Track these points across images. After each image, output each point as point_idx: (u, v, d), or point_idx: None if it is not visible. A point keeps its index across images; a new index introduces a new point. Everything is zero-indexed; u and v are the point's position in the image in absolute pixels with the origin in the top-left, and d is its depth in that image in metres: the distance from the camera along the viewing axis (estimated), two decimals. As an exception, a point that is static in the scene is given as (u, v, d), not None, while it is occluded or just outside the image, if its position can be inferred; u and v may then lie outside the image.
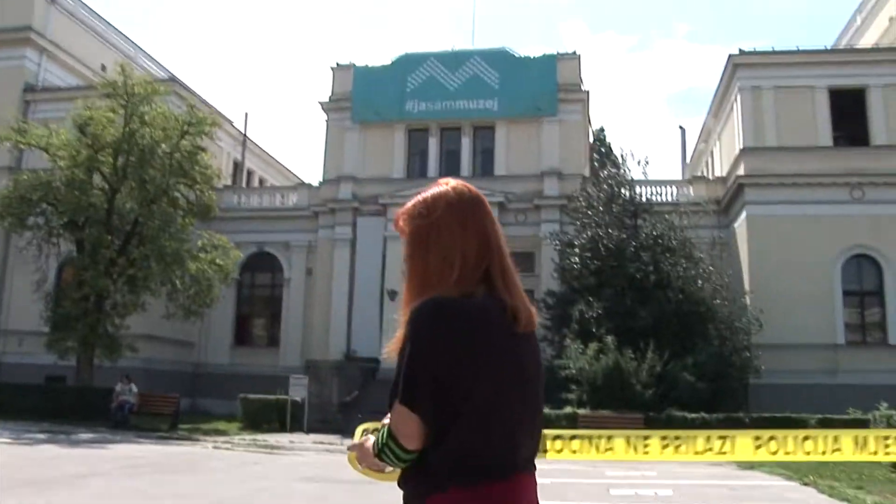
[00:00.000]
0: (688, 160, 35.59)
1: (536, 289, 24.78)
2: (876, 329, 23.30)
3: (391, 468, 1.84)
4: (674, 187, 27.39)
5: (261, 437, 18.72)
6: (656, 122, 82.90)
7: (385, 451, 1.71)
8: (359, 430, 2.11)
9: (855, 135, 24.14)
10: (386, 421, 1.77)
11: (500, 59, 27.29)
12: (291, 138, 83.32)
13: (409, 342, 1.67)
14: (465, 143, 27.14)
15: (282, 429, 20.88)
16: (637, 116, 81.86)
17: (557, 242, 22.83)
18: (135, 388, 20.56)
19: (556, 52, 27.33)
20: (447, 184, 1.84)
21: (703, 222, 23.23)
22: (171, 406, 21.03)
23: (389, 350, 1.77)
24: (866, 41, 28.31)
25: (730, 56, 24.93)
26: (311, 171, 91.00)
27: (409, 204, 1.81)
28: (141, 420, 20.35)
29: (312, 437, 19.50)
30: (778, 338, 21.00)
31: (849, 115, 23.94)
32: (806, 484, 11.00)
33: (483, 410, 1.66)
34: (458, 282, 1.71)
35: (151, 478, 10.88)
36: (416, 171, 27.34)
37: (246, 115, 27.33)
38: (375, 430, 1.90)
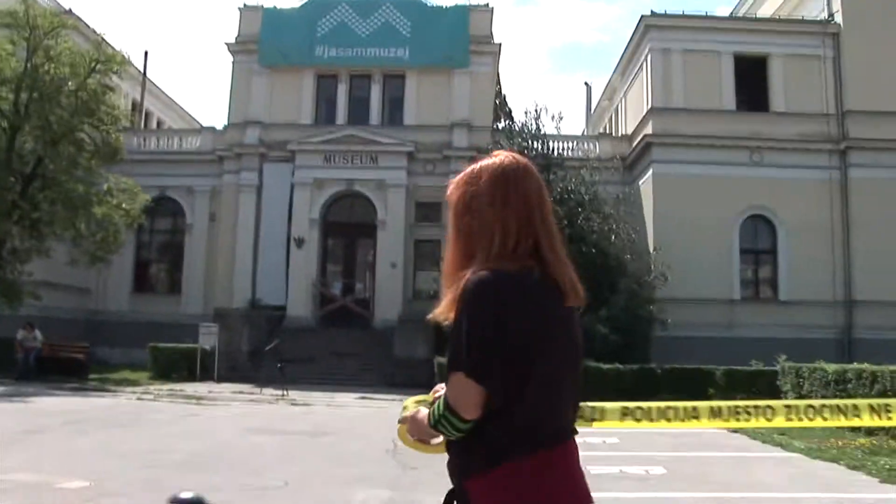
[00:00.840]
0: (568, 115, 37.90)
1: (444, 238, 26.28)
2: (768, 286, 25.69)
3: (439, 440, 1.90)
4: (581, 143, 29.13)
5: (176, 386, 19.15)
6: (539, 76, 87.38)
7: (442, 423, 1.78)
8: (409, 401, 2.15)
9: (756, 100, 26.15)
10: (440, 391, 1.88)
11: (412, 7, 28.05)
12: (192, 80, 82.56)
13: (466, 314, 1.75)
14: (375, 91, 27.87)
15: (191, 378, 21.41)
16: (521, 69, 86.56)
17: None
18: (39, 336, 20.59)
19: (468, 4, 28.22)
20: (497, 155, 1.95)
21: (608, 178, 24.62)
22: (81, 355, 21.32)
23: (440, 313, 1.88)
24: (764, 11, 30.11)
25: (642, 17, 26.50)
26: (213, 114, 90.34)
27: (461, 173, 1.97)
28: (46, 370, 20.25)
29: (225, 386, 20.08)
30: (680, 292, 22.72)
31: (751, 81, 25.95)
32: (735, 431, 12.21)
33: (545, 381, 1.75)
34: (499, 254, 1.79)
35: (107, 433, 10.95)
36: (325, 117, 28.02)
37: (146, 53, 27.60)
38: (423, 402, 2.04)
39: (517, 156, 1.97)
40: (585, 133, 36.26)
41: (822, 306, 24.05)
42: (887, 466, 8.85)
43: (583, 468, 1.80)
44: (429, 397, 2.03)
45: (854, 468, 9.07)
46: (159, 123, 35.05)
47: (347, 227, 27.91)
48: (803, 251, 24.71)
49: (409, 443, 2.05)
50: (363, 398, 18.15)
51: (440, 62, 27.44)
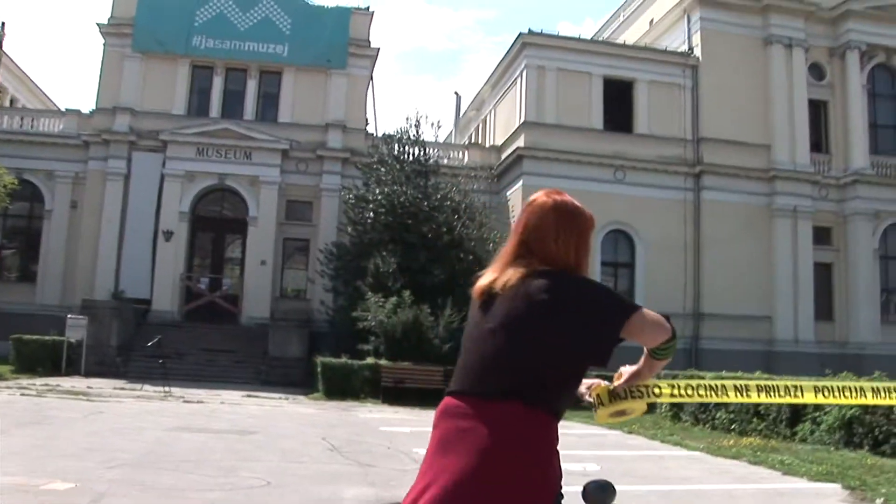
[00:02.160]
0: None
1: (314, 238, 28.31)
2: (627, 296, 29.72)
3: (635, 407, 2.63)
4: (451, 151, 32.20)
5: (49, 381, 19.63)
6: (389, 78, 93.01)
7: (669, 347, 2.49)
8: (601, 389, 2.64)
9: (622, 122, 29.85)
10: (623, 372, 2.65)
11: (293, 4, 29.90)
12: (50, 58, 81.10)
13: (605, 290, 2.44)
14: (251, 86, 29.68)
15: (56, 372, 21.98)
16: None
17: (352, 196, 25.95)
18: None
19: (349, 6, 30.47)
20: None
21: (477, 187, 27.57)
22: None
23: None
24: (629, 35, 34.39)
25: (520, 34, 29.50)
26: (71, 96, 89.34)
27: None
28: None
29: (96, 381, 20.78)
30: None
31: (618, 103, 29.64)
32: (630, 432, 14.48)
33: None
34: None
35: (28, 432, 10.92)
36: (198, 109, 29.53)
37: (2, 24, 28.09)
38: (609, 388, 2.63)
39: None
40: (453, 141, 39.28)
41: (674, 318, 27.88)
42: (780, 461, 10.81)
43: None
44: (615, 381, 2.65)
45: (755, 463, 10.82)
46: (12, 101, 35.37)
47: (217, 221, 29.62)
48: (659, 266, 28.59)
49: (607, 415, 2.63)
50: (250, 396, 19.47)
51: (318, 62, 29.53)
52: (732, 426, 15.29)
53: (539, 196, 2.57)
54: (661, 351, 2.54)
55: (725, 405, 15.24)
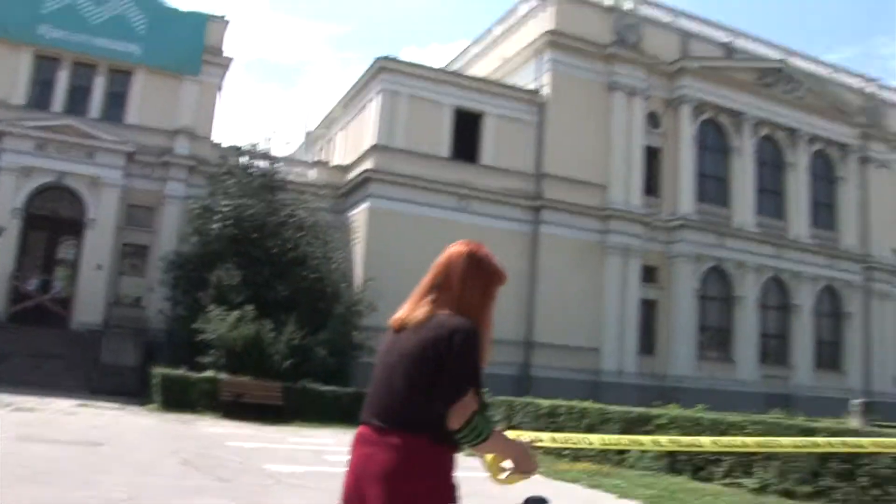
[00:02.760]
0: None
1: (154, 245, 28.65)
2: None
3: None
4: (298, 167, 33.35)
5: None
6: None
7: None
8: (488, 459, 3.06)
9: (469, 152, 31.86)
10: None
11: (150, 4, 30.24)
12: None
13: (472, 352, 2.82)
14: (99, 84, 29.70)
15: None
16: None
17: (198, 206, 26.34)
18: None
19: (206, 12, 31.23)
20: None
21: (321, 206, 28.89)
22: None
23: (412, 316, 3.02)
24: (479, 69, 36.90)
25: (377, 59, 31.07)
26: None
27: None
28: None
29: None
30: (382, 321, 28.04)
31: (467, 133, 31.69)
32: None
33: None
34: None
35: None
36: (40, 101, 29.19)
37: None
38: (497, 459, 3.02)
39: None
40: (300, 157, 40.50)
41: (509, 345, 30.41)
42: (615, 485, 12.21)
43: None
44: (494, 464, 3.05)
45: (592, 487, 12.05)
46: None
47: (52, 221, 29.27)
48: (499, 294, 31.37)
49: (508, 480, 3.01)
50: (84, 405, 19.61)
51: (172, 66, 30.01)
52: (566, 451, 16.46)
53: (459, 244, 3.17)
54: (462, 439, 2.88)
55: (560, 431, 16.41)
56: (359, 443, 2.93)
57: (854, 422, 16.03)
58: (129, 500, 8.05)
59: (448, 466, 2.87)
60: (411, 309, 3.05)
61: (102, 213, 28.64)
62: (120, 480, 9.14)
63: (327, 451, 14.80)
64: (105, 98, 30.29)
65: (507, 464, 3.04)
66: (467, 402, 2.82)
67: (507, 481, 3.05)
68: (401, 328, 3.03)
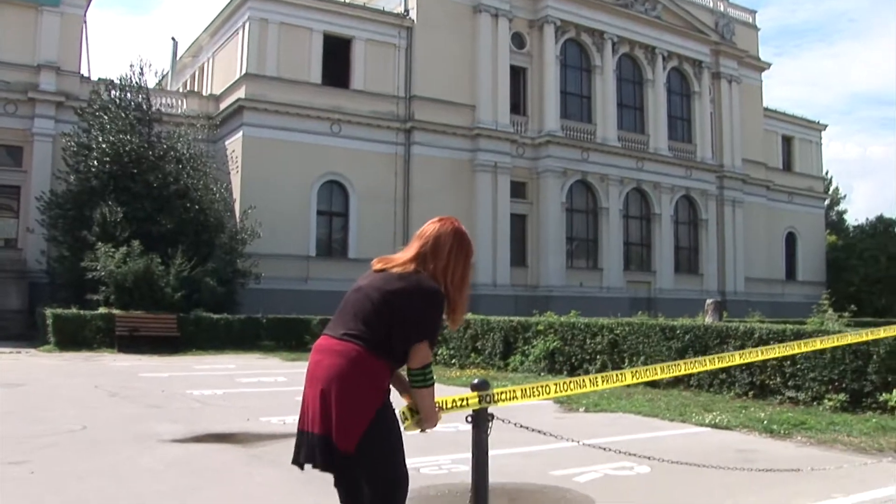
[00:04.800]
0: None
1: (26, 185, 29.08)
2: (340, 245, 33.28)
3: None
4: (169, 98, 34.11)
5: None
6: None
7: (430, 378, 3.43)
8: (404, 408, 3.56)
9: (340, 77, 33.35)
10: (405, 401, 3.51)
11: None
12: None
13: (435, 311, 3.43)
14: None
15: None
16: None
17: (73, 143, 26.79)
18: None
19: None
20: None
21: (198, 136, 29.49)
22: None
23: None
24: None
25: None
26: None
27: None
28: None
29: None
30: (265, 248, 28.53)
31: (337, 59, 33.08)
32: None
33: None
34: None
35: None
36: None
37: None
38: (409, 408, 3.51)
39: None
40: (169, 87, 40.68)
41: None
42: (501, 385, 13.35)
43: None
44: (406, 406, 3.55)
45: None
46: None
47: None
48: (371, 215, 32.50)
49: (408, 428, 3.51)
50: None
51: None
52: (453, 360, 18.54)
53: (444, 221, 3.69)
54: (414, 376, 3.47)
55: (446, 342, 18.78)
56: (315, 350, 3.50)
57: (707, 318, 17.84)
58: (83, 429, 8.83)
59: (383, 376, 3.43)
60: (399, 262, 3.56)
61: (-33, 154, 28.28)
62: (66, 415, 9.89)
63: (235, 374, 16.35)
64: (-42, 33, 29.42)
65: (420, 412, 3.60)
66: (424, 350, 3.41)
67: (407, 427, 3.58)
68: (381, 270, 3.55)
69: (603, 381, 4.70)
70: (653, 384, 13.52)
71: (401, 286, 3.45)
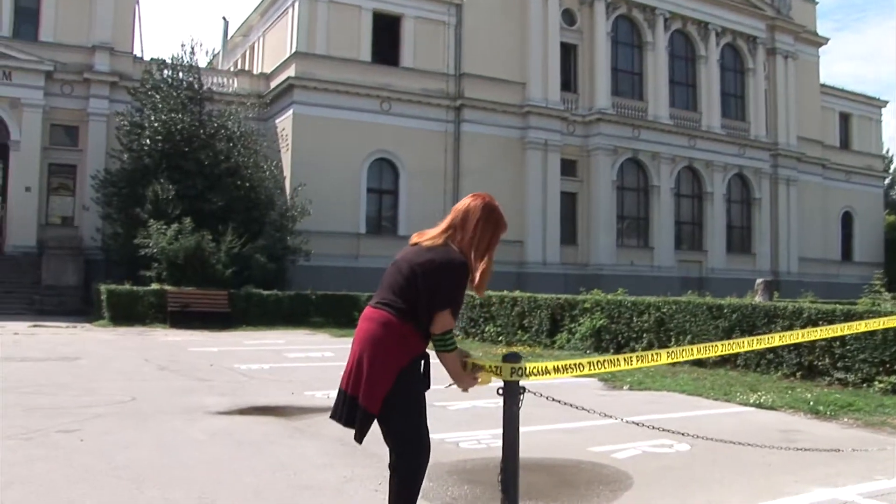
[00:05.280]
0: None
1: (82, 164, 29.56)
2: (389, 222, 33.34)
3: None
4: (220, 77, 34.33)
5: None
6: None
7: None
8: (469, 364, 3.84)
9: (389, 55, 33.29)
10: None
11: None
12: None
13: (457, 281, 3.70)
14: (6, 1, 29.76)
15: None
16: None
17: (126, 123, 27.14)
18: None
19: None
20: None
21: (249, 115, 29.66)
22: None
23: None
24: None
25: None
26: None
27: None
28: None
29: None
30: (315, 226, 28.64)
31: (387, 37, 33.03)
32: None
33: None
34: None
35: None
36: None
37: None
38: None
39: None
40: (219, 67, 41.35)
41: (436, 243, 32.73)
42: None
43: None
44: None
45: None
46: None
47: None
48: (421, 193, 32.46)
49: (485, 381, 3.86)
50: (37, 325, 20.60)
51: None
52: (500, 338, 18.43)
53: (476, 196, 3.96)
54: (436, 341, 3.74)
55: (493, 320, 18.88)
56: (362, 319, 3.81)
57: (757, 298, 17.79)
58: (133, 400, 9.08)
59: (411, 341, 3.71)
60: (430, 235, 3.84)
61: (26, 135, 29.23)
62: (116, 387, 10.12)
63: (283, 349, 16.43)
64: (14, 15, 30.37)
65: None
66: (446, 317, 3.66)
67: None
68: (415, 244, 3.84)
69: (638, 361, 4.66)
70: (699, 363, 13.43)
71: (428, 258, 3.72)
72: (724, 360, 13.25)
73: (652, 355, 4.73)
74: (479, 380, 3.89)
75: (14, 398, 8.94)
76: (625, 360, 4.54)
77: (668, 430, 5.09)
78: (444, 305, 3.67)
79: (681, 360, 4.73)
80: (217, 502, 5.00)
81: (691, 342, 13.83)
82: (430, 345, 3.76)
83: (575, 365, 4.34)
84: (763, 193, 42.06)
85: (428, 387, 3.86)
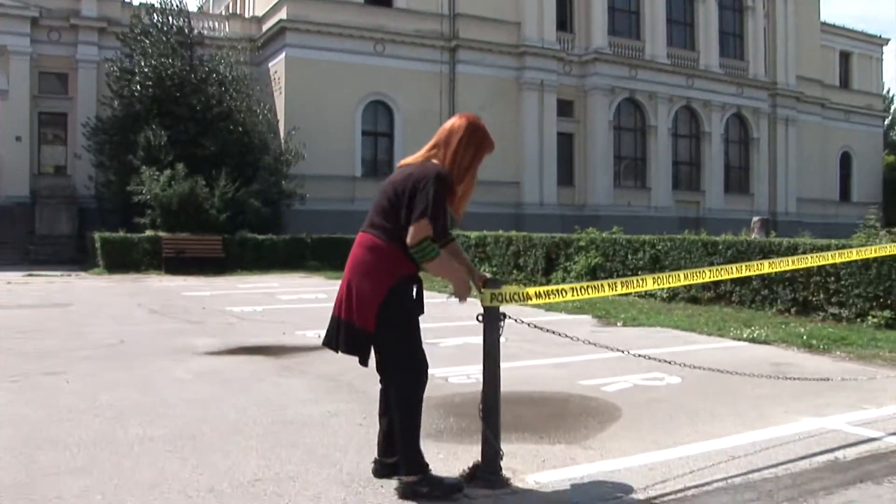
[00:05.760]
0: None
1: (72, 112, 29.13)
2: (385, 165, 32.52)
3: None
4: (211, 21, 33.76)
5: None
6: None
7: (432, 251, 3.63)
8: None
9: None
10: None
11: None
12: None
13: (436, 191, 3.63)
14: None
15: None
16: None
17: (116, 69, 26.66)
18: None
19: None
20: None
21: (241, 59, 29.27)
22: None
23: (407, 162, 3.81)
24: None
25: None
26: None
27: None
28: None
29: None
30: (310, 170, 28.31)
31: None
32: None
33: None
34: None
35: None
36: None
37: None
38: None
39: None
40: (210, 10, 40.84)
41: (431, 184, 32.36)
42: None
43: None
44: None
45: (520, 304, 13.41)
46: None
47: None
48: (416, 135, 31.64)
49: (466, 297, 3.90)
50: (32, 275, 20.40)
51: None
52: (495, 276, 18.59)
53: (462, 115, 3.95)
54: (414, 254, 3.68)
55: (489, 260, 18.81)
56: (354, 244, 3.85)
57: (753, 235, 17.77)
58: (121, 343, 9.03)
59: (397, 260, 3.71)
60: (415, 156, 3.89)
61: (14, 83, 28.75)
62: (105, 331, 10.07)
63: (277, 292, 16.33)
64: (0, -40, 29.31)
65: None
66: (420, 226, 3.59)
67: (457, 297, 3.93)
68: (402, 166, 3.89)
69: (623, 287, 4.57)
70: (694, 300, 13.62)
71: (407, 172, 3.78)
72: (719, 297, 13.30)
73: (637, 281, 4.58)
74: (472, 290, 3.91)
75: (3, 343, 8.89)
76: (608, 285, 4.42)
77: (659, 360, 5.00)
78: (419, 216, 3.62)
79: (667, 286, 4.58)
80: (198, 437, 4.93)
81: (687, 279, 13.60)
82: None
83: (557, 291, 4.22)
84: (761, 133, 41.60)
85: (422, 311, 3.87)
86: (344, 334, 3.74)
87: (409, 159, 3.91)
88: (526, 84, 34.77)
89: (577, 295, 4.32)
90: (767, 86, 41.73)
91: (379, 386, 3.95)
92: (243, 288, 17.69)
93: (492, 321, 3.82)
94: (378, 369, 3.89)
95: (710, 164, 39.50)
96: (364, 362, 3.77)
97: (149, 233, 23.29)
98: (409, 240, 3.64)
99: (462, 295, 3.93)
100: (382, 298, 3.67)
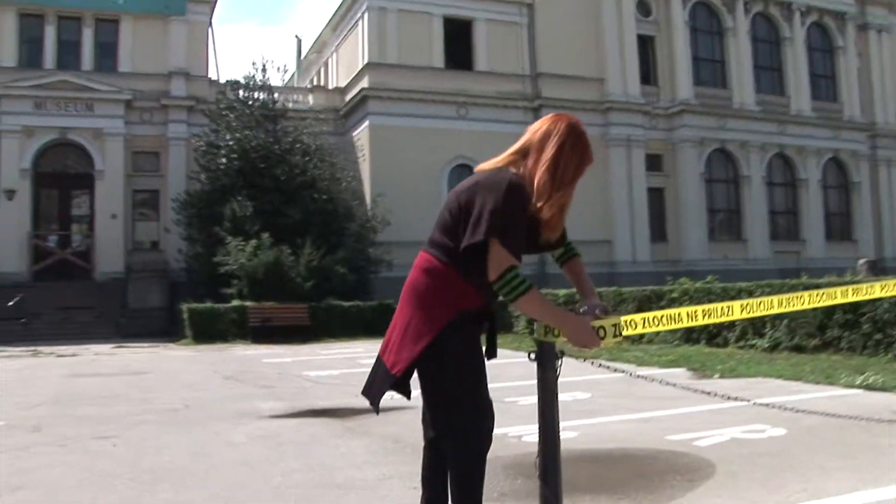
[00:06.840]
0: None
1: (164, 188, 29.49)
2: None
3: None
4: (296, 94, 33.81)
5: None
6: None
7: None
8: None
9: (463, 60, 32.44)
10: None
11: None
12: None
13: (501, 202, 2.77)
14: (87, 36, 30.08)
15: None
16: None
17: (203, 144, 27.14)
18: None
19: None
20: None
21: (323, 129, 29.49)
22: None
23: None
24: None
25: None
26: None
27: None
28: None
29: None
30: (397, 236, 27.77)
31: (459, 42, 32.21)
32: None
33: None
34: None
35: None
36: (30, 60, 29.69)
37: None
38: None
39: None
40: (295, 85, 41.63)
41: (521, 246, 31.53)
42: (634, 356, 12.82)
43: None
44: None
45: (612, 360, 11.79)
46: None
47: (62, 177, 29.99)
48: None
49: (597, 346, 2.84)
50: (120, 346, 20.57)
51: (156, 9, 30.36)
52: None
53: (565, 117, 3.07)
54: (498, 289, 2.89)
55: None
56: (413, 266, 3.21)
57: (860, 277, 16.53)
58: (185, 408, 8.80)
59: (462, 290, 2.97)
60: (492, 161, 3.08)
61: (110, 164, 29.37)
62: (174, 397, 9.92)
63: (359, 357, 15.64)
64: (95, 49, 30.66)
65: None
66: (498, 251, 2.81)
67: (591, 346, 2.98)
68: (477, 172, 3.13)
69: (742, 311, 3.82)
70: (798, 349, 12.83)
71: (474, 180, 2.99)
72: (826, 345, 12.49)
73: (723, 308, 3.75)
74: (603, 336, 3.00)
75: (65, 409, 8.79)
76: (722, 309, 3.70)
77: (758, 404, 4.33)
78: (488, 232, 2.80)
79: (761, 314, 3.93)
80: (231, 501, 4.49)
81: (789, 326, 13.11)
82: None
83: (669, 316, 3.46)
84: (862, 177, 39.46)
85: (491, 356, 3.14)
86: (377, 378, 3.15)
87: (486, 164, 3.08)
88: (612, 140, 33.77)
89: (691, 321, 3.56)
90: (865, 127, 39.72)
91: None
92: (325, 354, 17.19)
93: (546, 361, 2.96)
94: (424, 423, 3.21)
95: (808, 211, 37.53)
96: (375, 406, 3.19)
97: (235, 303, 23.11)
98: (489, 274, 2.84)
99: (580, 340, 2.95)
100: (430, 339, 2.93)
